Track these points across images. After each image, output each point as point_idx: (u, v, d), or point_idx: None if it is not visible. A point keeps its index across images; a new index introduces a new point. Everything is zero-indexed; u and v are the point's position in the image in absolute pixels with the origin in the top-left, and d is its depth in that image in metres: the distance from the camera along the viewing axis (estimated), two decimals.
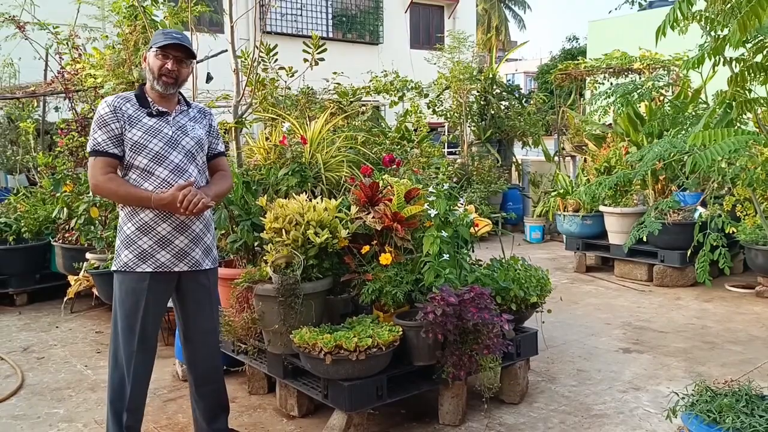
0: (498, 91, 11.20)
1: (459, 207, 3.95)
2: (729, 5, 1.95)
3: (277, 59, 5.01)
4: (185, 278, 3.03)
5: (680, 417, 2.42)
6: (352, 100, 6.81)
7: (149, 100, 2.98)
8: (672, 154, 2.20)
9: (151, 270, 2.91)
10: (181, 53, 2.96)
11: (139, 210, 2.90)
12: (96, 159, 2.86)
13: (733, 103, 2.10)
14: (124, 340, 2.93)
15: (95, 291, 5.65)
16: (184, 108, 3.10)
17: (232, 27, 4.69)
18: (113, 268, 2.98)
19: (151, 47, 2.97)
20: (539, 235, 9.68)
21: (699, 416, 2.26)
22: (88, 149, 2.90)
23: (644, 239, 7.18)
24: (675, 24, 1.98)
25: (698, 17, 2.06)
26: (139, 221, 2.90)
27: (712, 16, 2.03)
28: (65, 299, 5.83)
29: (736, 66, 2.10)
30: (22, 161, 8.71)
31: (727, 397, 2.29)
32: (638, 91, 2.62)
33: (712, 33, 2.19)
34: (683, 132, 2.50)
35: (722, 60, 2.09)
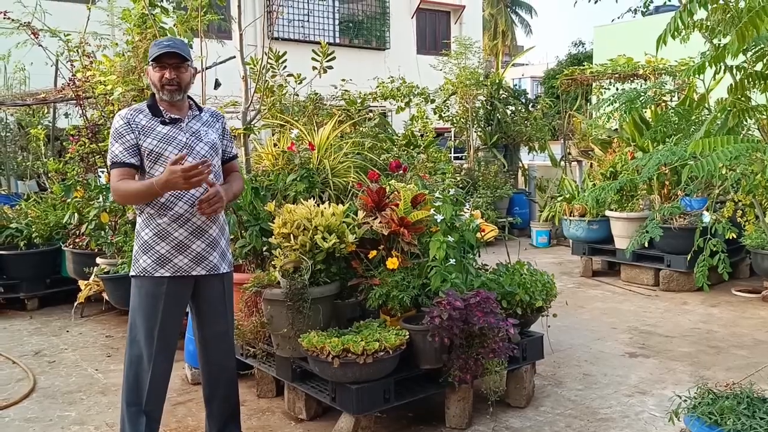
0: (504, 96, 11.24)
1: (465, 212, 3.99)
2: (729, 15, 1.99)
3: (285, 66, 5.06)
4: (202, 282, 3.08)
5: (682, 419, 2.45)
6: (360, 108, 6.85)
7: (161, 109, 3.04)
8: (673, 162, 2.24)
9: (169, 274, 2.96)
10: (175, 59, 2.99)
11: (156, 216, 2.96)
12: (114, 170, 2.94)
13: (732, 110, 2.14)
14: (142, 344, 2.98)
15: (105, 295, 5.71)
16: (196, 113, 3.13)
17: (241, 35, 4.75)
18: (131, 273, 3.04)
19: (150, 62, 3.01)
20: (546, 240, 9.70)
21: (700, 418, 2.29)
22: (108, 163, 2.98)
23: (647, 244, 7.22)
24: (676, 33, 2.02)
25: (699, 26, 2.10)
26: (156, 226, 2.96)
27: (713, 25, 2.07)
28: (75, 304, 5.89)
29: (737, 74, 2.13)
30: (33, 167, 8.80)
31: (728, 400, 2.32)
32: (641, 98, 2.66)
33: (714, 41, 2.23)
34: (685, 139, 2.53)
35: (723, 68, 2.12)
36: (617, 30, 19.34)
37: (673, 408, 2.47)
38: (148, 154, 2.95)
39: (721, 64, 2.11)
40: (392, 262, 3.56)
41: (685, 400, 2.46)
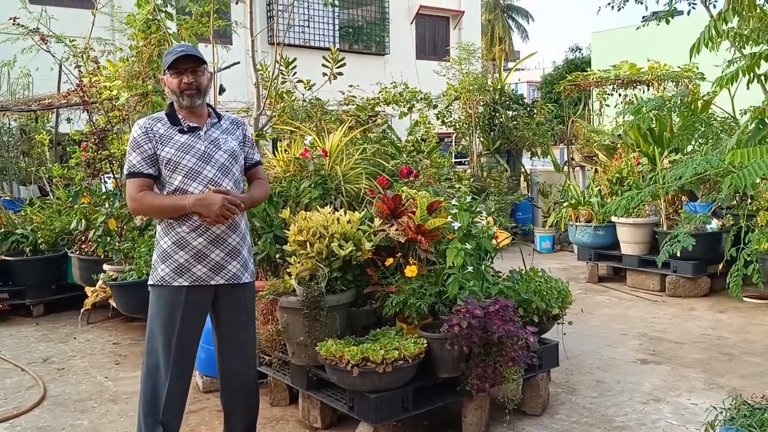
0: (507, 101, 11.24)
1: (481, 219, 3.98)
2: (765, 23, 1.98)
3: (296, 72, 5.06)
4: (222, 291, 3.03)
5: (719, 431, 2.43)
6: (370, 114, 6.85)
7: (180, 117, 3.02)
8: (708, 171, 2.23)
9: (187, 284, 2.93)
10: (191, 63, 2.97)
11: (176, 224, 2.93)
12: (131, 180, 2.92)
13: (765, 119, 2.14)
14: (160, 354, 2.95)
15: (112, 302, 5.68)
16: (215, 121, 3.11)
17: (252, 41, 4.74)
18: (150, 282, 3.01)
19: (164, 71, 3.00)
20: (549, 245, 9.71)
21: (740, 431, 2.28)
22: (125, 172, 2.97)
23: (652, 249, 7.17)
24: (710, 41, 2.01)
25: (733, 36, 2.09)
26: (175, 235, 2.93)
27: (746, 33, 2.06)
28: (82, 310, 5.84)
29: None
30: (37, 172, 8.77)
31: (767, 412, 2.30)
32: (667, 106, 2.66)
33: (743, 49, 2.22)
34: (713, 148, 2.52)
35: (756, 77, 2.12)
36: (615, 36, 19.44)
37: (709, 419, 2.46)
38: (166, 164, 2.93)
39: (753, 73, 2.11)
40: (411, 270, 3.55)
41: (721, 412, 2.45)
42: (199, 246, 2.95)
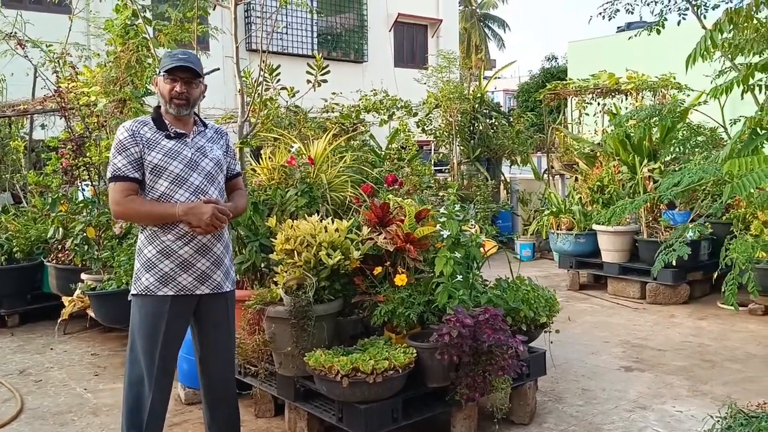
0: (486, 110, 11.29)
1: (470, 228, 3.97)
2: (761, 33, 2.00)
3: (279, 80, 5.01)
4: (204, 300, 2.99)
5: None
6: (355, 122, 6.83)
7: (166, 122, 2.97)
8: (702, 179, 2.25)
9: (172, 293, 2.88)
10: (188, 74, 2.93)
11: (161, 233, 2.88)
12: (116, 184, 2.85)
13: (758, 129, 2.16)
14: (143, 365, 2.89)
15: (90, 312, 5.56)
16: (201, 129, 3.08)
17: (236, 48, 4.69)
18: (133, 291, 2.94)
19: (160, 72, 2.96)
20: (530, 253, 9.74)
21: None
22: (109, 175, 2.89)
23: (632, 257, 7.21)
24: (705, 53, 2.02)
25: (728, 46, 2.11)
26: (160, 244, 2.87)
27: (742, 44, 2.08)
28: (59, 320, 5.71)
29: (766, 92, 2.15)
30: (12, 179, 8.58)
31: (764, 421, 2.31)
32: (659, 115, 2.68)
33: (735, 61, 2.24)
34: (705, 158, 2.55)
35: (749, 88, 2.13)
36: (591, 45, 19.67)
37: (706, 428, 2.46)
38: (152, 169, 2.88)
39: (746, 84, 2.12)
40: (401, 279, 3.52)
41: (718, 420, 2.45)
42: (185, 255, 2.90)
